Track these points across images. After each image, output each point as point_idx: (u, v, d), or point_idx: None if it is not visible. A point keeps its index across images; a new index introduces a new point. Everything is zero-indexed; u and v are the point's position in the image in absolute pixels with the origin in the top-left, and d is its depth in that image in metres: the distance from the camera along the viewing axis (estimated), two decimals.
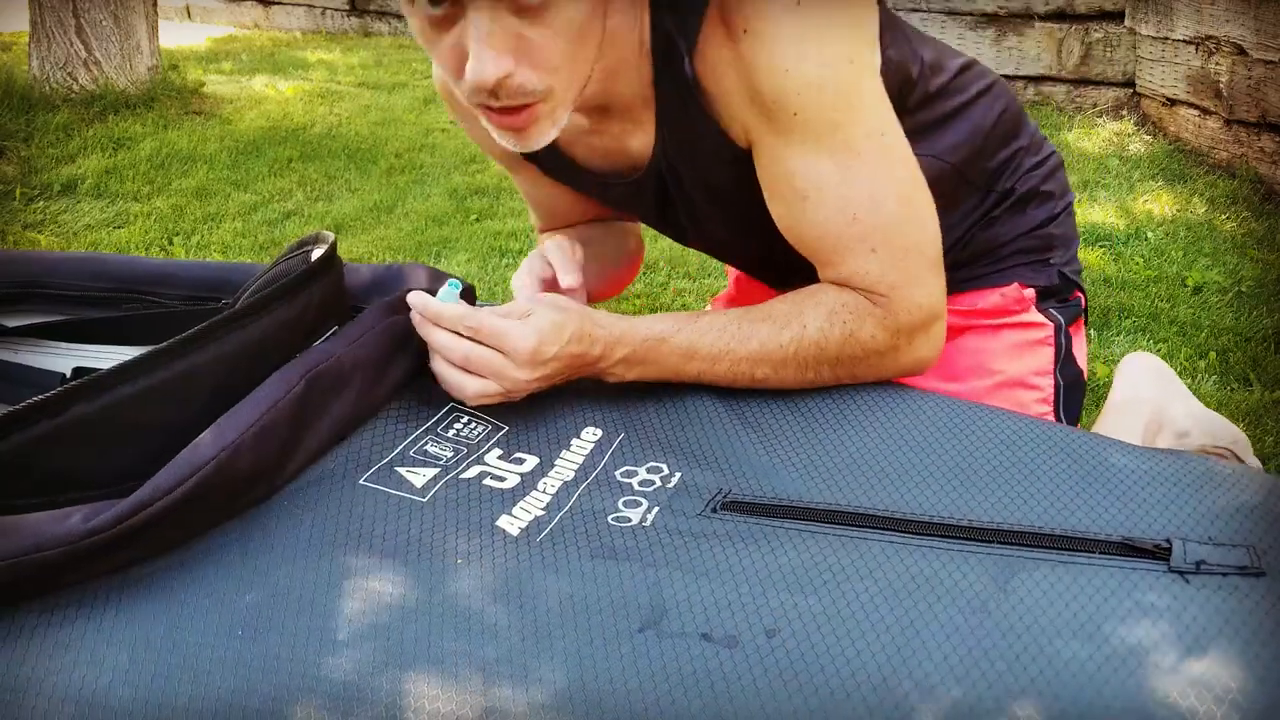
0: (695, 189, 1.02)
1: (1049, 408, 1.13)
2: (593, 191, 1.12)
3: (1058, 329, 1.15)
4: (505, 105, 0.84)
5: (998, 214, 1.13)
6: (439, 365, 0.88)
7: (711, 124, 0.94)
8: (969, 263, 1.13)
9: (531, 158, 1.09)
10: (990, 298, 1.14)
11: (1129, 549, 0.71)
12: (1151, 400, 1.26)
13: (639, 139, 1.00)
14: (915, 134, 0.98)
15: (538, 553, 0.73)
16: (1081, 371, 1.18)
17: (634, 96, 0.96)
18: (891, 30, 0.99)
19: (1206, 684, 0.59)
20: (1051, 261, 1.15)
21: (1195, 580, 0.67)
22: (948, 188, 1.05)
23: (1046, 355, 1.14)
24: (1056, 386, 1.14)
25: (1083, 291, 1.19)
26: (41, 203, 3.38)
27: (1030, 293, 1.14)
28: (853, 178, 0.90)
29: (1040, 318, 1.14)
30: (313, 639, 0.66)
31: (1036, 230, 1.14)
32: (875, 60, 0.94)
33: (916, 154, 0.95)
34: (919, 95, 1.03)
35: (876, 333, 0.92)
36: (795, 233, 0.95)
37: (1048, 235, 1.15)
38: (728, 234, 1.11)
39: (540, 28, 0.80)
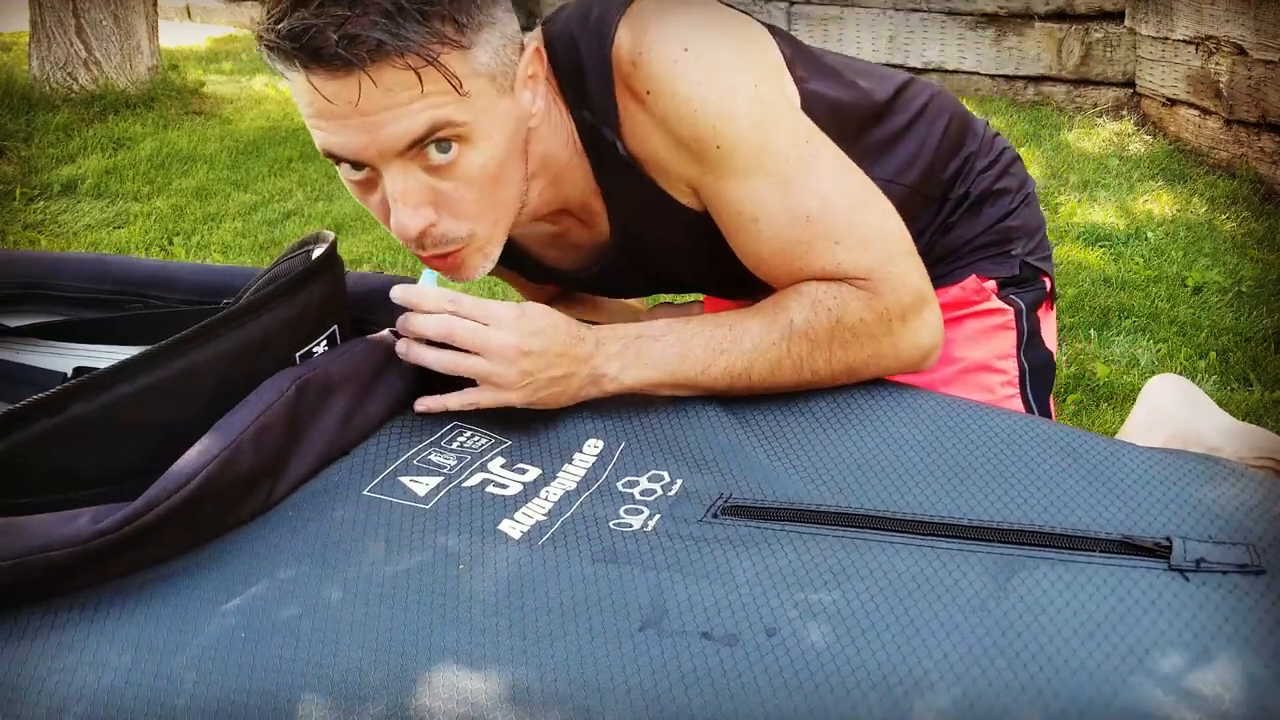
0: (658, 256, 1.06)
1: (1015, 390, 1.15)
2: (573, 286, 1.19)
3: (1019, 313, 1.16)
4: (433, 253, 0.89)
5: (954, 220, 1.15)
6: (422, 351, 0.87)
7: (661, 193, 0.98)
8: (930, 266, 1.14)
9: (514, 268, 1.16)
10: (950, 292, 1.15)
11: (1129, 547, 0.71)
12: (1177, 420, 1.26)
13: (601, 227, 1.04)
14: (863, 160, 1.00)
15: (539, 555, 0.73)
16: (1051, 354, 1.20)
17: (584, 192, 1.00)
18: (806, 64, 1.02)
19: (1206, 681, 0.59)
20: (1013, 253, 1.17)
21: (1195, 578, 0.68)
22: (908, 209, 1.07)
23: (1009, 339, 1.16)
24: (1021, 369, 1.16)
25: (1050, 276, 1.21)
26: (41, 203, 3.38)
27: (991, 284, 1.16)
28: (793, 187, 0.93)
29: (1000, 304, 1.16)
30: (315, 640, 0.66)
31: (994, 226, 1.17)
32: (782, 80, 0.98)
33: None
34: (858, 122, 1.06)
35: (864, 314, 0.93)
36: (758, 257, 0.97)
37: (1006, 229, 1.17)
38: (699, 283, 1.18)
39: (452, 181, 0.86)
